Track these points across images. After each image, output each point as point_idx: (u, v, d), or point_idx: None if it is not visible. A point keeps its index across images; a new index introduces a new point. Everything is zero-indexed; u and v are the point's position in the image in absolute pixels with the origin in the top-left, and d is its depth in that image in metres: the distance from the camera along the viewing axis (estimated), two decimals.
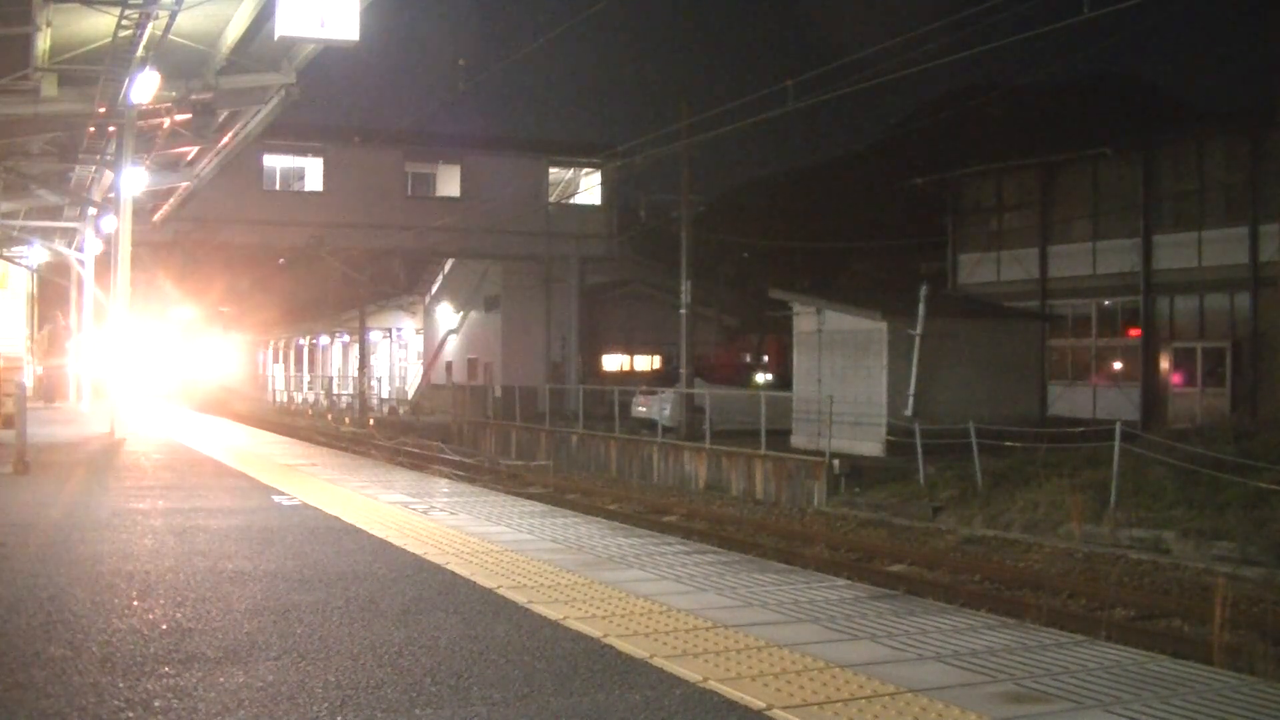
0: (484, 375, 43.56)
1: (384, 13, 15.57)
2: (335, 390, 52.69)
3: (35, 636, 4.59)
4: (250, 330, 63.90)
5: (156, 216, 28.03)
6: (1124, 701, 3.80)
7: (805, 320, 26.20)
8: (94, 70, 14.32)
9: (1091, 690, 3.94)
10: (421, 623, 4.89)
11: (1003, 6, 15.33)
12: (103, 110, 15.57)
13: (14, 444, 11.61)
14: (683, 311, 29.52)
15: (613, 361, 44.56)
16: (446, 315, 48.10)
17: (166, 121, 17.06)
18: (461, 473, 24.91)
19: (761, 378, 38.55)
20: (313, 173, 40.20)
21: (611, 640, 4.56)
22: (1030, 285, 31.28)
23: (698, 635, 4.67)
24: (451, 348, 48.05)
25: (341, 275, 44.45)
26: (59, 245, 29.70)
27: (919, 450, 20.02)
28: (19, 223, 26.87)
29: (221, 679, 3.98)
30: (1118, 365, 30.02)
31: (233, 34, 13.98)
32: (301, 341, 67.02)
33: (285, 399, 60.88)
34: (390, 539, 7.18)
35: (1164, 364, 28.70)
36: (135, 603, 5.24)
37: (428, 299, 50.36)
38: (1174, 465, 16.88)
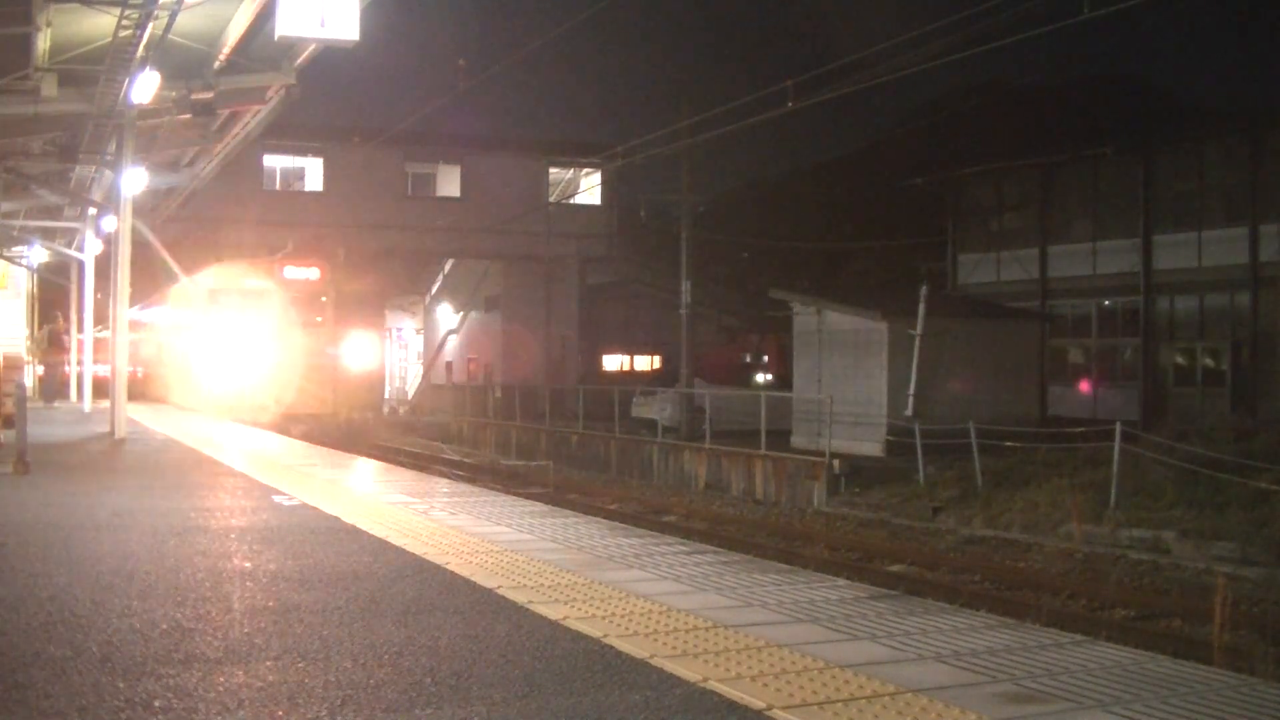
0: (484, 375, 43.58)
1: (384, 13, 15.59)
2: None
3: (35, 636, 4.59)
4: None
5: (158, 218, 28.01)
6: (1124, 701, 3.81)
7: (805, 320, 26.20)
8: (94, 70, 14.31)
9: (1091, 690, 3.95)
10: (421, 623, 4.89)
11: (1003, 6, 15.33)
12: (103, 110, 15.56)
13: (14, 444, 11.60)
14: (683, 311, 29.52)
15: (613, 361, 44.57)
16: (446, 315, 48.11)
17: (167, 121, 17.06)
18: (461, 472, 24.92)
19: (761, 378, 38.56)
20: (313, 173, 40.22)
21: (611, 640, 4.57)
22: (1030, 285, 31.29)
23: (698, 635, 4.68)
24: (451, 348, 48.05)
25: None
26: (59, 245, 29.69)
27: (919, 450, 20.03)
28: (19, 223, 26.86)
29: (221, 679, 3.98)
30: (1117, 366, 30.03)
31: (233, 34, 13.98)
32: None
33: None
34: (390, 539, 7.18)
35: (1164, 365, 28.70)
36: (135, 603, 5.24)
37: (428, 299, 50.35)
38: (1174, 465, 16.88)
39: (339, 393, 24.29)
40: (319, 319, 24.51)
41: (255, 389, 23.10)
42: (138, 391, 31.65)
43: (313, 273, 24.67)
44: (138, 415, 20.47)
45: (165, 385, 29.00)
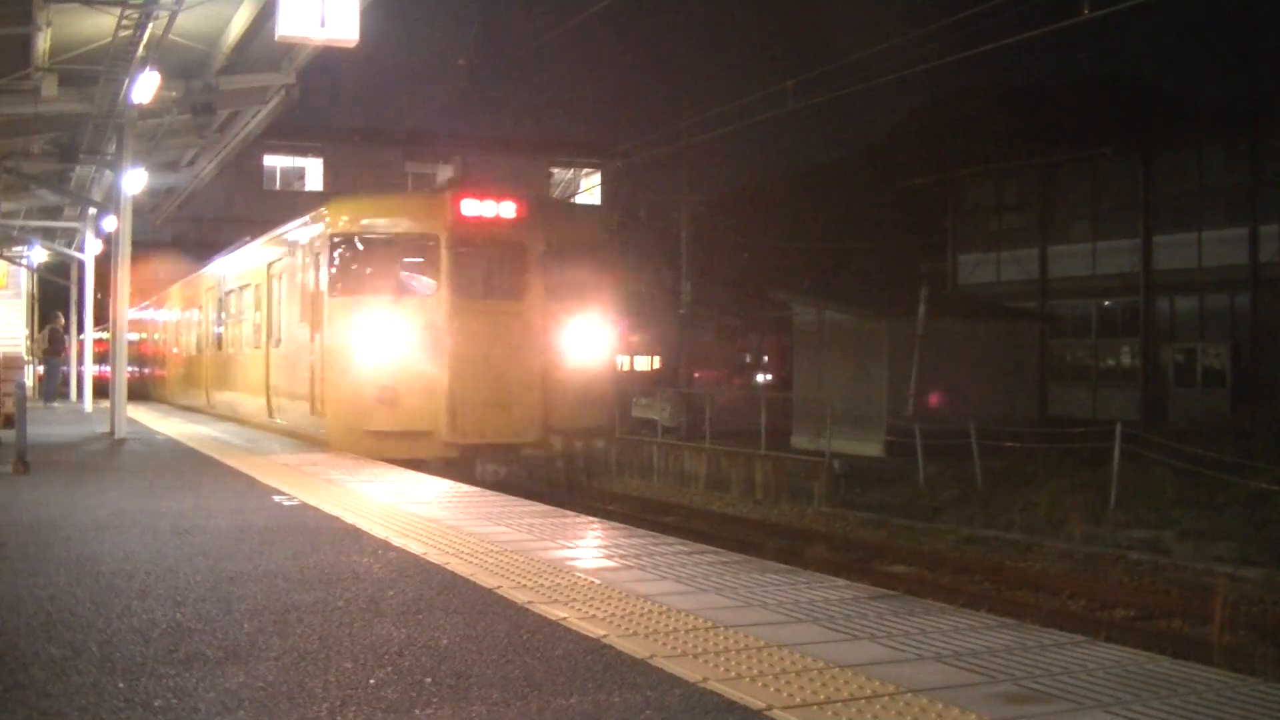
0: None
1: (384, 13, 15.59)
2: None
3: (35, 636, 4.59)
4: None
5: (158, 218, 28.03)
6: (1124, 701, 3.81)
7: (805, 320, 26.23)
8: (94, 70, 14.33)
9: (1091, 690, 3.95)
10: (421, 623, 4.89)
11: (1003, 7, 15.34)
12: (103, 110, 15.59)
13: (14, 444, 11.60)
14: (681, 311, 29.53)
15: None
16: None
17: (167, 121, 17.07)
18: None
19: (761, 378, 38.59)
20: (313, 173, 40.29)
21: (611, 640, 4.57)
22: (1030, 285, 31.31)
23: (698, 635, 4.68)
24: None
25: None
26: (59, 245, 29.71)
27: (919, 450, 20.04)
28: (19, 223, 26.87)
29: (221, 679, 3.98)
30: (1117, 366, 30.03)
31: (233, 34, 14.00)
32: None
33: None
34: (390, 539, 7.18)
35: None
36: (135, 603, 5.24)
37: None
38: (1174, 466, 16.90)
39: (553, 410, 14.14)
40: (520, 288, 14.29)
41: (407, 405, 13.67)
42: (167, 398, 28.10)
43: (506, 209, 14.22)
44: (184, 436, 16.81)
45: (226, 393, 20.97)
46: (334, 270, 14.15)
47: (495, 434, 13.93)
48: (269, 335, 17.24)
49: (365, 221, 14.56)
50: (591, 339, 14.65)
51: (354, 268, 14.18)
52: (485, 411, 13.84)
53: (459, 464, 13.47)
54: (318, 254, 14.60)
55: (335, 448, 13.84)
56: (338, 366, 14.01)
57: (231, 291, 20.66)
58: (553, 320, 14.31)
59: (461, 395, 13.70)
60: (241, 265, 20.16)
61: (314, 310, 14.61)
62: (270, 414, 17.19)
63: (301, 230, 15.83)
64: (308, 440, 14.83)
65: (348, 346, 13.87)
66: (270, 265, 17.46)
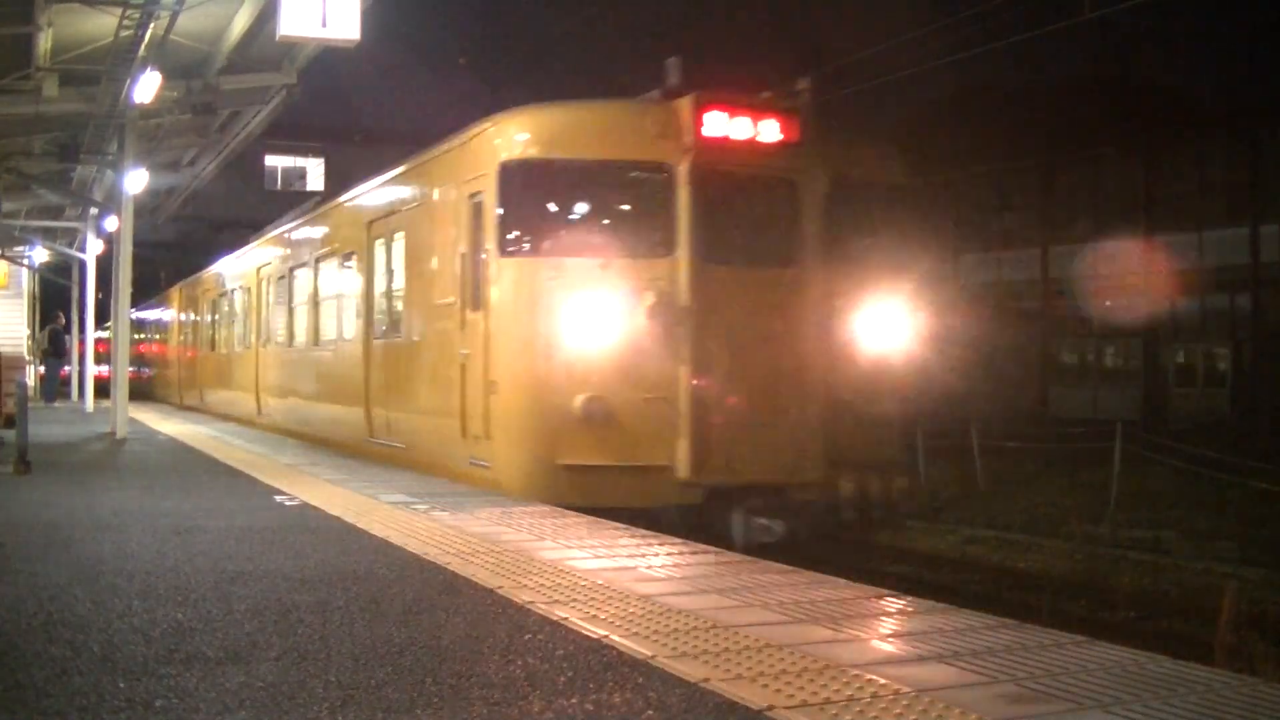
0: None
1: (385, 12, 15.58)
2: None
3: (35, 636, 4.60)
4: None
5: (159, 217, 28.06)
6: (1124, 702, 3.81)
7: None
8: (95, 70, 14.36)
9: (1091, 690, 3.95)
10: (422, 623, 4.90)
11: (1004, 7, 15.35)
12: (104, 110, 15.61)
13: (15, 443, 11.61)
14: None
15: None
16: None
17: (168, 121, 17.09)
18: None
19: None
20: (314, 173, 40.31)
21: (612, 640, 4.57)
22: (1031, 285, 31.32)
23: (698, 635, 4.68)
24: None
25: None
26: (60, 245, 29.74)
27: (919, 450, 20.05)
28: (20, 222, 26.91)
29: (222, 679, 3.98)
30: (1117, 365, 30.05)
31: (234, 34, 14.02)
32: None
33: None
34: (391, 539, 7.18)
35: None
36: (136, 602, 5.25)
37: None
38: (1174, 466, 16.91)
39: (839, 433, 9.67)
40: (792, 248, 9.79)
41: (626, 425, 9.22)
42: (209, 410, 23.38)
43: (770, 129, 9.52)
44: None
45: (290, 400, 17.07)
46: (509, 216, 9.62)
47: (757, 469, 9.47)
48: (370, 323, 13.11)
49: (555, 143, 9.83)
50: (890, 327, 10.28)
51: (539, 213, 9.76)
52: (743, 435, 9.41)
53: (705, 514, 9.35)
54: (476, 195, 10.08)
55: (509, 488, 9.63)
56: (514, 364, 9.59)
57: (301, 267, 16.29)
58: (838, 297, 9.84)
59: (712, 410, 9.31)
60: (318, 233, 15.66)
61: (470, 279, 10.17)
62: (371, 432, 12.86)
63: (442, 163, 11.15)
64: (448, 475, 10.76)
65: (531, 332, 9.44)
66: (372, 225, 13.10)
